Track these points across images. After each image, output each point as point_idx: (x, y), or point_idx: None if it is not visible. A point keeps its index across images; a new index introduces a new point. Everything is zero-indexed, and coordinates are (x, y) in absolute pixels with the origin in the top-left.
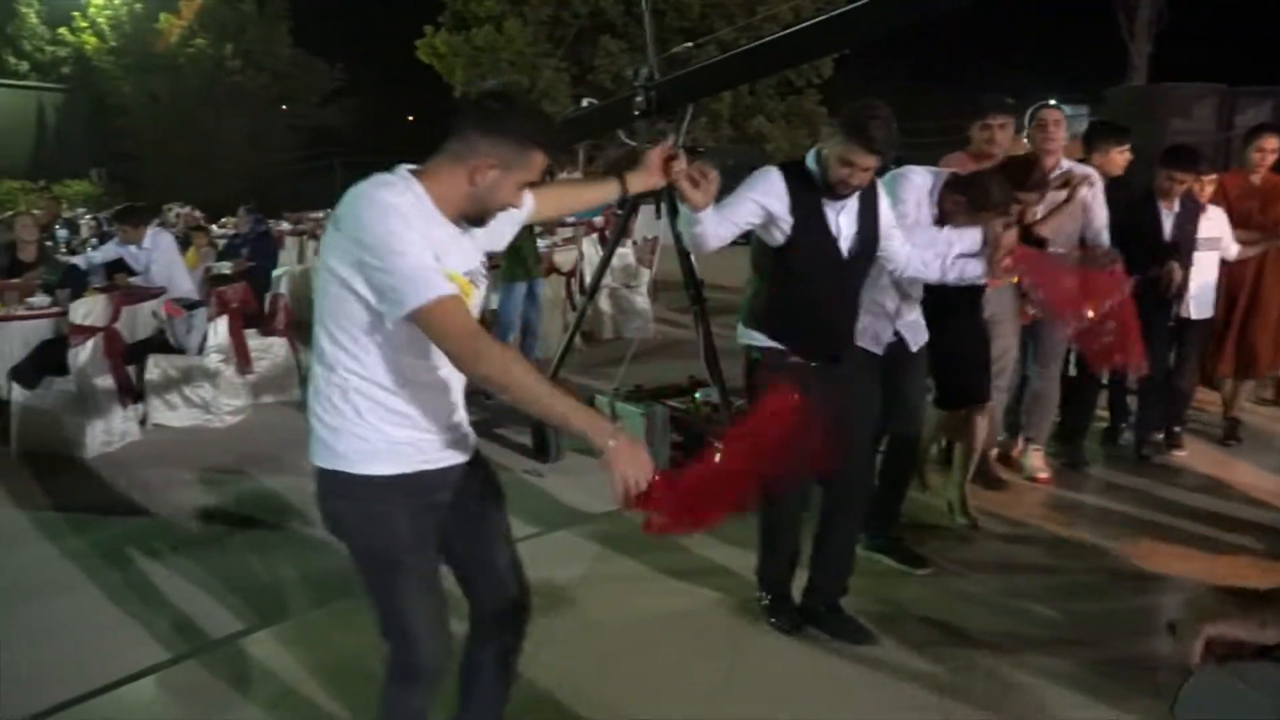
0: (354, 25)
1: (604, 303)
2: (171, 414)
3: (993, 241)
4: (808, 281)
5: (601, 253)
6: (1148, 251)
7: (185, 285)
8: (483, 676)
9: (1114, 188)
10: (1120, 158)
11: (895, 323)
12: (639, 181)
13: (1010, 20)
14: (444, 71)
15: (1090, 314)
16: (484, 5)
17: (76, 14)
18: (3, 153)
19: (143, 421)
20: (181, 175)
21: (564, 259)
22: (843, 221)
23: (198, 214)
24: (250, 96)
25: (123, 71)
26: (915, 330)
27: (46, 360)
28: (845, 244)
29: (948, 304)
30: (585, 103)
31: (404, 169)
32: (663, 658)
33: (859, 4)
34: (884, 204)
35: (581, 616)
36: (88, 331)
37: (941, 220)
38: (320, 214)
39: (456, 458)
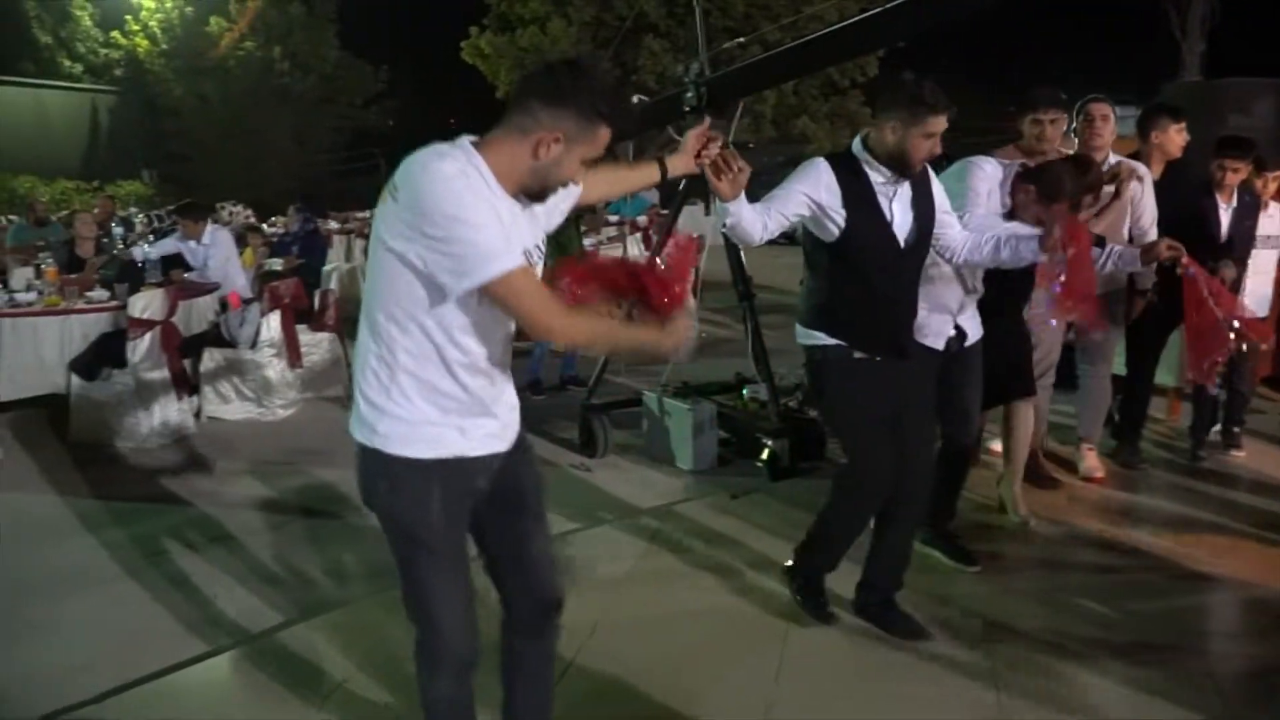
0: (399, 27)
1: None
2: (225, 407)
3: (1050, 222)
4: (867, 273)
5: (644, 252)
6: (1203, 248)
7: (239, 281)
8: (524, 671)
9: (1171, 174)
10: (1179, 136)
11: (957, 317)
12: (678, 165)
13: (1058, 19)
14: (488, 72)
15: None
16: (529, 6)
17: (129, 17)
18: (58, 153)
19: (197, 414)
20: (230, 175)
21: (610, 256)
22: (896, 209)
23: (249, 213)
24: (297, 98)
25: (174, 74)
26: (973, 324)
27: (105, 353)
28: (901, 232)
29: (990, 301)
30: (636, 99)
31: (465, 140)
32: (711, 652)
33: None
34: (938, 189)
35: (630, 610)
36: (146, 325)
37: (1011, 212)
38: (365, 214)
39: (498, 446)
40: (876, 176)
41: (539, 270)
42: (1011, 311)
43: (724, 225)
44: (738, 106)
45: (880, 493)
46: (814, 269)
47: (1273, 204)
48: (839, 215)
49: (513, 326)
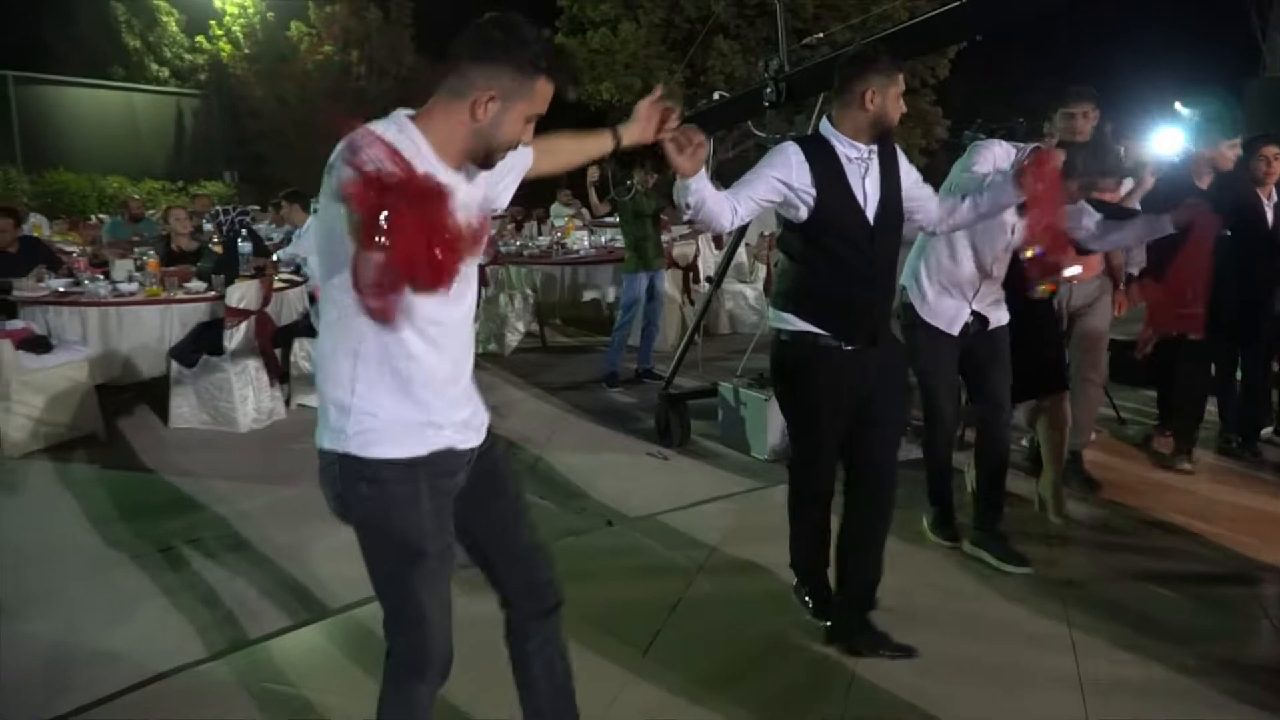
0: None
1: (721, 298)
2: (313, 395)
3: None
4: (839, 254)
5: (715, 250)
6: (1251, 242)
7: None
8: (534, 669)
9: (1225, 186)
10: (1231, 152)
11: (974, 302)
12: (633, 133)
13: (1137, 18)
14: None
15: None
16: (599, 9)
17: (213, 22)
18: (145, 154)
19: (287, 401)
20: (307, 176)
21: (683, 253)
22: (869, 187)
23: None
24: (372, 100)
25: (255, 77)
26: (995, 310)
27: (203, 340)
28: (871, 211)
29: (1018, 291)
30: (717, 95)
31: (400, 113)
32: (790, 633)
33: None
34: (904, 162)
35: (708, 591)
36: (241, 315)
37: None
38: None
39: (474, 438)
40: (849, 152)
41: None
42: (1042, 306)
43: (686, 206)
44: (816, 101)
45: (828, 488)
46: (787, 253)
47: None
48: (809, 195)
49: (472, 300)
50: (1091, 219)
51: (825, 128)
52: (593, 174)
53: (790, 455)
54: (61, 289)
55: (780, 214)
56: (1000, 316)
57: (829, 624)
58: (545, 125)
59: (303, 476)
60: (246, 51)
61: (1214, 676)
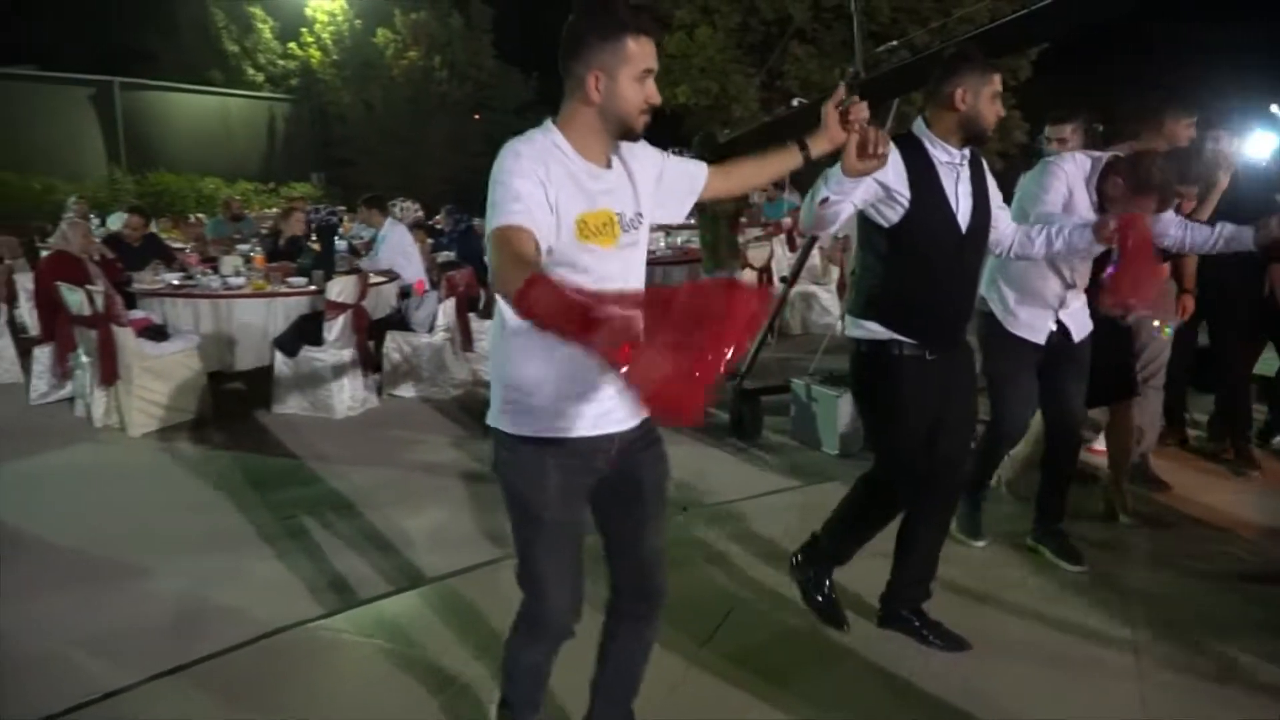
0: (551, 36)
1: (794, 299)
2: (403, 385)
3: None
4: (928, 259)
5: (789, 252)
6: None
7: (410, 271)
8: (615, 644)
9: None
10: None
11: (1059, 312)
12: (821, 143)
13: (1231, 18)
14: None
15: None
16: (677, 14)
17: (304, 30)
18: (239, 157)
19: (379, 390)
20: (390, 178)
21: (757, 254)
22: (960, 192)
23: (418, 208)
24: (454, 105)
25: (342, 82)
26: (1079, 320)
27: (304, 332)
28: (963, 217)
29: (1091, 298)
30: (796, 102)
31: (548, 120)
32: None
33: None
34: (990, 179)
35: (777, 578)
36: (340, 308)
37: (1101, 207)
38: None
39: (614, 426)
40: (941, 155)
41: (634, 236)
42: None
43: (824, 201)
44: (892, 106)
45: (909, 498)
46: (871, 256)
47: None
48: (904, 197)
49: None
50: (1178, 227)
51: (919, 128)
52: None
53: (874, 463)
54: (175, 282)
55: (868, 216)
56: (1085, 325)
57: (882, 610)
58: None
59: (394, 461)
60: (335, 58)
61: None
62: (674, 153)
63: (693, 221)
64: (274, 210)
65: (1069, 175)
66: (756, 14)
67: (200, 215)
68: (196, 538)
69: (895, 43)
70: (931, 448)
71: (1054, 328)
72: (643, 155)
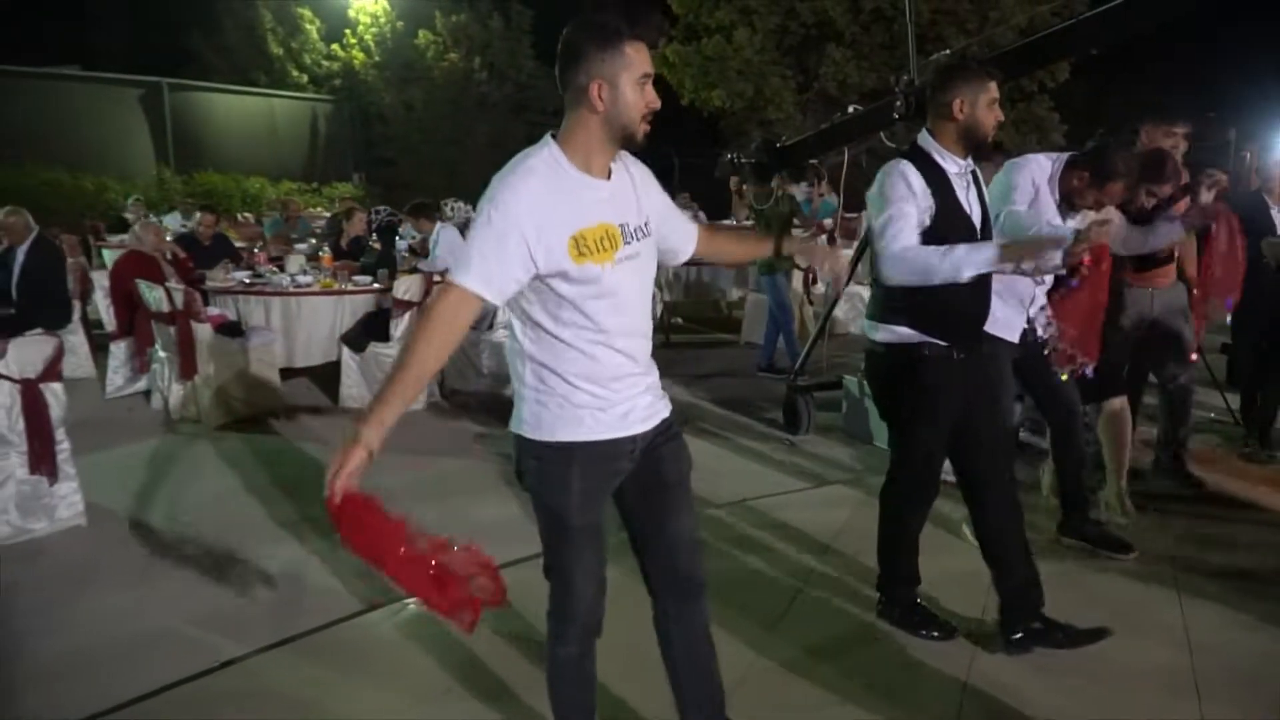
0: None
1: (841, 299)
2: (463, 381)
3: (1084, 233)
4: None
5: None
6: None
7: None
8: (676, 649)
9: None
10: None
11: (1030, 310)
12: (792, 247)
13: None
14: (673, 81)
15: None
16: (715, 17)
17: (347, 31)
18: (283, 157)
19: (441, 385)
20: (431, 178)
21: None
22: (970, 200)
23: (469, 208)
24: (493, 106)
25: (384, 83)
26: (1042, 316)
27: (370, 328)
28: (975, 222)
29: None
30: (851, 109)
31: (549, 135)
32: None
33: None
34: (984, 187)
35: (835, 567)
36: (406, 305)
37: (1068, 204)
38: None
39: (634, 429)
40: (950, 167)
41: (637, 247)
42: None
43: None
44: None
45: (925, 494)
46: None
47: None
48: (929, 209)
49: (639, 307)
50: (1122, 228)
51: (925, 140)
52: (734, 184)
53: (895, 466)
54: (246, 280)
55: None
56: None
57: (1005, 635)
58: (660, 133)
59: (452, 454)
60: (377, 59)
61: None
62: (732, 159)
63: (731, 223)
64: (319, 210)
65: (1034, 175)
66: (796, 16)
67: (247, 214)
68: (286, 524)
69: (946, 52)
70: (966, 445)
71: (1026, 325)
72: (648, 179)
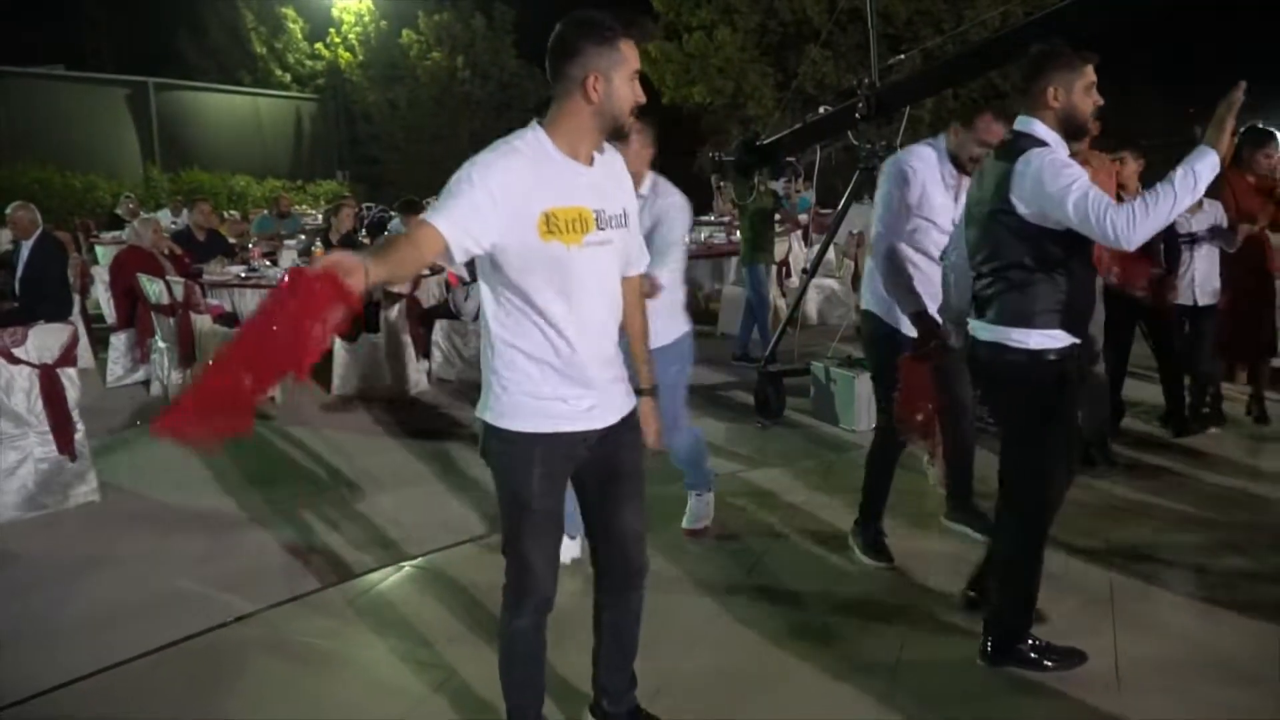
0: None
1: (810, 291)
2: (450, 369)
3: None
4: (1087, 257)
5: (804, 247)
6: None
7: (454, 266)
8: (609, 626)
9: None
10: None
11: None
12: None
13: (1238, 19)
14: (654, 78)
15: None
16: (696, 15)
17: (332, 30)
18: (268, 155)
19: (429, 374)
20: (414, 176)
21: (778, 249)
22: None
23: None
24: (477, 104)
25: (368, 82)
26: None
27: (365, 318)
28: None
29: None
30: (822, 109)
31: (534, 121)
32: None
33: (1066, 3)
34: None
35: (800, 527)
36: (396, 297)
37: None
38: None
39: (596, 422)
40: (1063, 153)
41: (611, 234)
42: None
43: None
44: (904, 113)
45: (1050, 514)
46: (1037, 265)
47: None
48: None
49: (605, 308)
50: None
51: (1033, 127)
52: (714, 181)
53: (1016, 491)
54: (242, 274)
55: (1036, 224)
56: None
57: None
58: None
59: (432, 436)
60: (361, 58)
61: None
62: (714, 157)
63: (711, 219)
64: (304, 208)
65: (921, 168)
66: (775, 16)
67: (233, 212)
68: (284, 500)
69: (902, 56)
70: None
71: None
72: (626, 178)
